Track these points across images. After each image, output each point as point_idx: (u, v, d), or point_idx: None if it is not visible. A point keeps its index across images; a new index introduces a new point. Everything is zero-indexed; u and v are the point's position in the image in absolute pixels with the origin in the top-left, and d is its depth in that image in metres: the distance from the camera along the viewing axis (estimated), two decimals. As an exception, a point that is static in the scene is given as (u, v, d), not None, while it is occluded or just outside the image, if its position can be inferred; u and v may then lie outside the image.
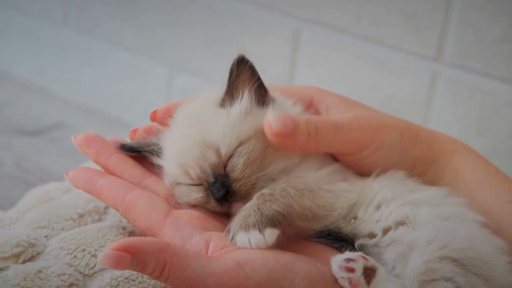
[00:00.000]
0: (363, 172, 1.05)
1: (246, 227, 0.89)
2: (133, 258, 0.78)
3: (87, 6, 2.12)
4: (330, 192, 0.97)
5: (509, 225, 1.00)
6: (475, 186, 1.04)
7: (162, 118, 1.06)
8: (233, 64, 1.01)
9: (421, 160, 1.06)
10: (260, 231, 0.88)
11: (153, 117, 1.07)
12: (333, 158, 1.07)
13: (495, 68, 1.46)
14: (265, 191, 0.93)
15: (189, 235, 0.91)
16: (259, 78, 1.03)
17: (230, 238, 0.90)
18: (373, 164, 1.04)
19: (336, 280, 0.87)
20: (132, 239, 0.80)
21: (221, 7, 1.84)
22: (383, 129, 1.04)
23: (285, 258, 0.86)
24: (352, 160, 1.04)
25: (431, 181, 1.06)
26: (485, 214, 0.99)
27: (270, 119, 0.93)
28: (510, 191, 1.03)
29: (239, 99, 1.01)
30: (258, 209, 0.90)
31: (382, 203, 0.98)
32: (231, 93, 1.01)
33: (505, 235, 0.97)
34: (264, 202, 0.90)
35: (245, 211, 0.91)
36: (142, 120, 1.11)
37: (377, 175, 1.03)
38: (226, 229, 0.92)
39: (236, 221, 0.91)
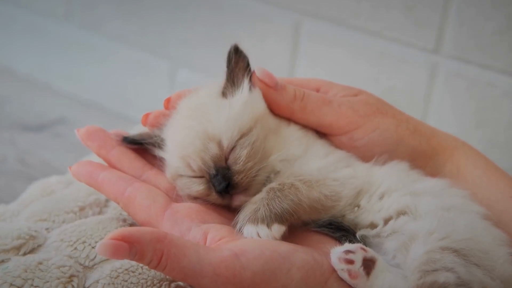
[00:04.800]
0: (362, 156, 1.05)
1: (255, 221, 0.89)
2: (131, 247, 0.79)
3: (90, 3, 2.13)
4: (336, 181, 0.97)
5: (511, 220, 1.00)
6: (476, 182, 1.04)
7: (175, 105, 1.06)
8: (230, 53, 1.02)
9: (419, 153, 1.06)
10: (268, 226, 0.89)
11: (167, 105, 1.07)
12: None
13: (494, 60, 1.46)
14: (274, 185, 0.93)
15: (187, 227, 0.92)
16: (250, 66, 1.04)
17: (238, 229, 0.91)
18: (368, 148, 1.04)
19: (332, 270, 0.87)
20: (130, 229, 0.80)
21: (222, 3, 1.84)
22: (377, 114, 1.05)
23: (282, 248, 0.86)
24: (346, 141, 1.05)
25: (432, 175, 1.06)
26: (486, 209, 0.99)
27: (256, 71, 1.01)
28: (510, 186, 1.03)
29: (241, 88, 1.02)
30: (268, 204, 0.90)
31: (385, 193, 0.99)
32: (232, 80, 1.02)
33: (506, 230, 0.97)
34: (274, 198, 0.91)
35: (254, 205, 0.92)
36: (145, 115, 1.11)
37: (382, 164, 1.04)
38: (234, 220, 0.93)
39: (245, 213, 0.91)
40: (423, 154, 1.07)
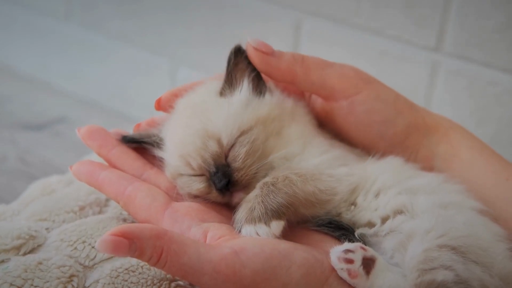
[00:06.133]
0: (357, 126, 1.06)
1: (252, 221, 0.89)
2: (131, 244, 0.79)
3: (91, 2, 2.13)
4: (331, 177, 0.97)
5: (506, 203, 1.00)
6: (471, 163, 1.04)
7: (166, 105, 1.07)
8: (230, 53, 1.02)
9: (415, 129, 1.07)
10: (266, 224, 0.88)
11: (158, 105, 1.07)
12: (335, 141, 1.07)
13: (495, 58, 1.46)
14: (268, 179, 0.93)
15: (188, 226, 0.92)
16: (255, 68, 1.03)
17: (237, 231, 0.90)
18: (368, 116, 1.05)
19: (333, 268, 0.87)
20: (130, 225, 0.81)
21: (222, 2, 1.84)
22: (378, 84, 1.06)
23: (282, 246, 0.86)
24: (347, 106, 1.05)
25: (426, 155, 1.07)
26: (481, 192, 1.00)
27: (249, 39, 0.99)
28: (505, 169, 1.03)
29: (239, 88, 1.02)
30: (262, 201, 0.90)
31: (381, 191, 0.98)
32: (230, 81, 1.03)
33: (501, 213, 0.98)
34: (268, 194, 0.91)
35: (249, 203, 0.91)
36: (146, 113, 1.11)
37: (377, 159, 1.04)
38: (232, 221, 0.92)
39: (241, 214, 0.91)
40: (418, 130, 1.07)
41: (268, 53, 1.02)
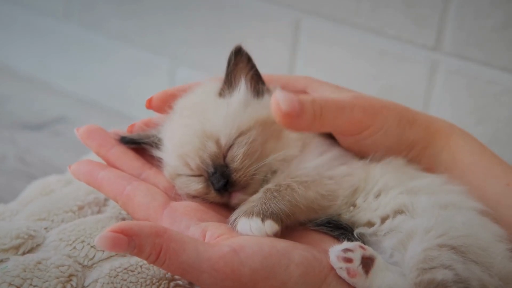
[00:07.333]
0: (361, 154, 1.05)
1: (249, 214, 0.89)
2: (130, 241, 0.79)
3: (90, 2, 2.13)
4: (331, 179, 0.97)
5: (507, 208, 1.00)
6: (472, 169, 1.04)
7: (158, 105, 1.07)
8: (231, 54, 1.02)
9: (418, 143, 1.06)
10: (262, 220, 0.88)
11: (149, 104, 1.08)
12: (333, 140, 1.07)
13: (494, 57, 1.45)
14: (271, 186, 0.94)
15: (186, 226, 0.92)
16: (256, 69, 1.03)
17: (232, 221, 0.91)
18: (371, 145, 1.04)
19: (331, 267, 0.87)
20: (130, 223, 0.80)
21: (222, 2, 1.84)
22: (383, 111, 1.04)
23: (281, 245, 0.86)
24: (352, 141, 1.04)
25: (429, 163, 1.06)
26: (482, 197, 0.99)
27: (279, 100, 0.87)
28: (506, 174, 1.03)
29: (238, 88, 1.01)
30: (265, 203, 0.90)
31: (382, 191, 0.98)
32: (229, 82, 1.02)
33: (502, 218, 0.97)
34: (272, 198, 0.91)
35: (252, 203, 0.92)
36: (145, 113, 1.11)
37: (378, 161, 1.03)
38: (231, 216, 0.92)
39: (242, 208, 0.92)
40: (421, 144, 1.07)
41: (294, 115, 0.90)
